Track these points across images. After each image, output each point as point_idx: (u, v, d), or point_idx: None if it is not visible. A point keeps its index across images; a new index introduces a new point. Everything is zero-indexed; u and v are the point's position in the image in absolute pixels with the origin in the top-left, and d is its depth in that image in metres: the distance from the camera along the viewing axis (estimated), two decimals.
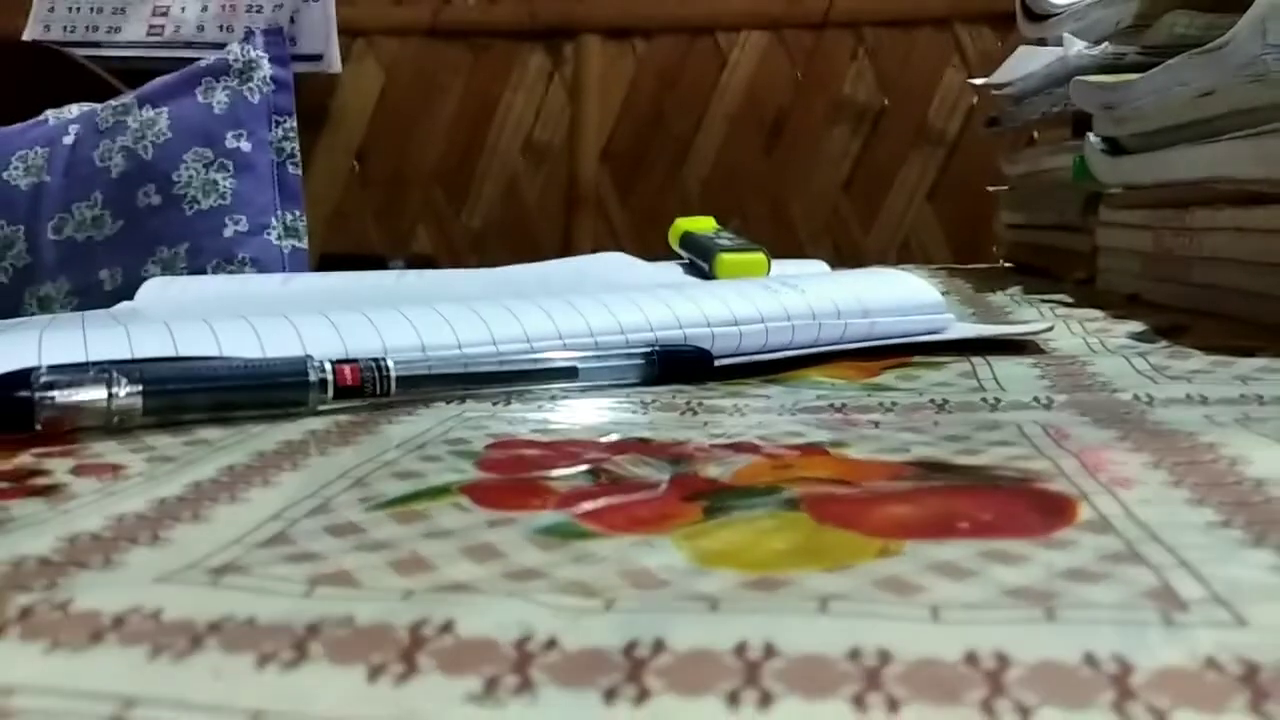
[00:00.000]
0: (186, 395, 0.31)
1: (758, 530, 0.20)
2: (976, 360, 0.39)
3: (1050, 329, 0.45)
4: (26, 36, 1.67)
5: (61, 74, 1.29)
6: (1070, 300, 0.56)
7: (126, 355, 0.33)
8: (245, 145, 0.91)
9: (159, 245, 0.89)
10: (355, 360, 0.33)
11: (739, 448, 0.27)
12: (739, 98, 1.61)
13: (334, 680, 0.15)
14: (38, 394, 0.28)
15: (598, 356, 0.36)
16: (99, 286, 0.89)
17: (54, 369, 0.29)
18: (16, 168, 0.91)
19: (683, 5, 1.63)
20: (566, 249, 1.57)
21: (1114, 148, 0.57)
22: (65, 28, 1.69)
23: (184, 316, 0.37)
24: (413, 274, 0.68)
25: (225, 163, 0.90)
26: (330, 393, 0.32)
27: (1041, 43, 0.73)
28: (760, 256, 0.61)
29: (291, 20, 1.62)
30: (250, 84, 0.93)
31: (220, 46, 1.00)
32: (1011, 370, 0.38)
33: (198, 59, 0.96)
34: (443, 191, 1.71)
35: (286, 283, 0.66)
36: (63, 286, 0.90)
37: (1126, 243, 0.58)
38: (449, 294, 0.46)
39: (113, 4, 1.69)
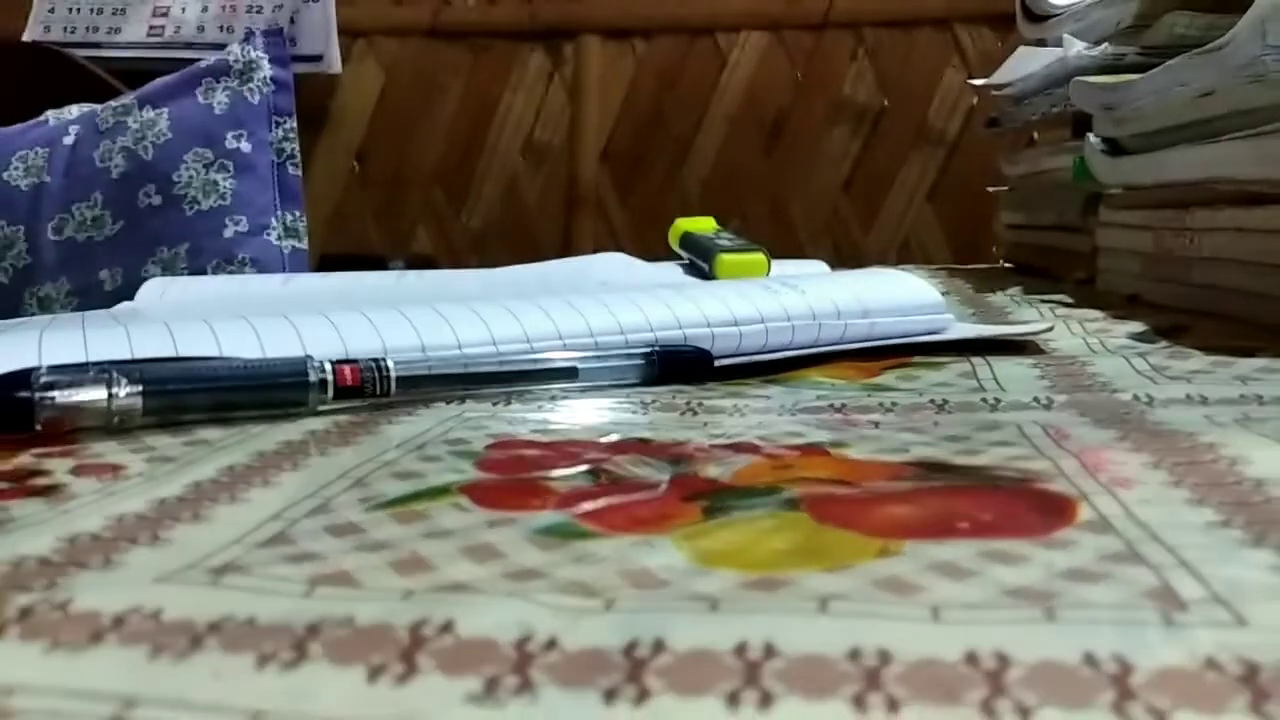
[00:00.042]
0: (186, 395, 0.31)
1: (758, 530, 0.20)
2: (976, 360, 0.39)
3: (1050, 329, 0.45)
4: (27, 37, 1.67)
5: (62, 75, 1.29)
6: (1070, 300, 0.56)
7: (126, 355, 0.33)
8: (245, 146, 0.91)
9: (159, 246, 0.89)
10: (355, 360, 0.33)
11: (739, 448, 0.27)
12: (739, 98, 1.61)
13: (334, 680, 0.15)
14: (38, 394, 0.28)
15: (598, 357, 0.36)
16: (99, 287, 0.89)
17: (54, 369, 0.29)
18: (17, 168, 0.91)
19: (682, 5, 1.63)
20: (566, 249, 1.57)
21: (1114, 148, 0.57)
22: (65, 28, 1.69)
23: (184, 317, 0.37)
24: (413, 274, 0.68)
25: (225, 163, 0.90)
26: (330, 393, 0.32)
27: (1041, 43, 0.73)
28: (760, 257, 0.61)
29: (291, 21, 1.62)
30: (250, 84, 0.93)
31: (220, 47, 1.00)
32: (1011, 370, 0.38)
33: (198, 60, 0.96)
34: (443, 192, 1.71)
35: (286, 283, 0.66)
36: (63, 287, 0.90)
37: (1126, 243, 0.58)
38: (449, 294, 0.46)
39: (113, 5, 1.69)
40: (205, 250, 0.89)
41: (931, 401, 0.33)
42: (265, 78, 0.93)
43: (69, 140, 0.92)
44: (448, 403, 0.33)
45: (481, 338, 0.37)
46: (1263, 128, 0.42)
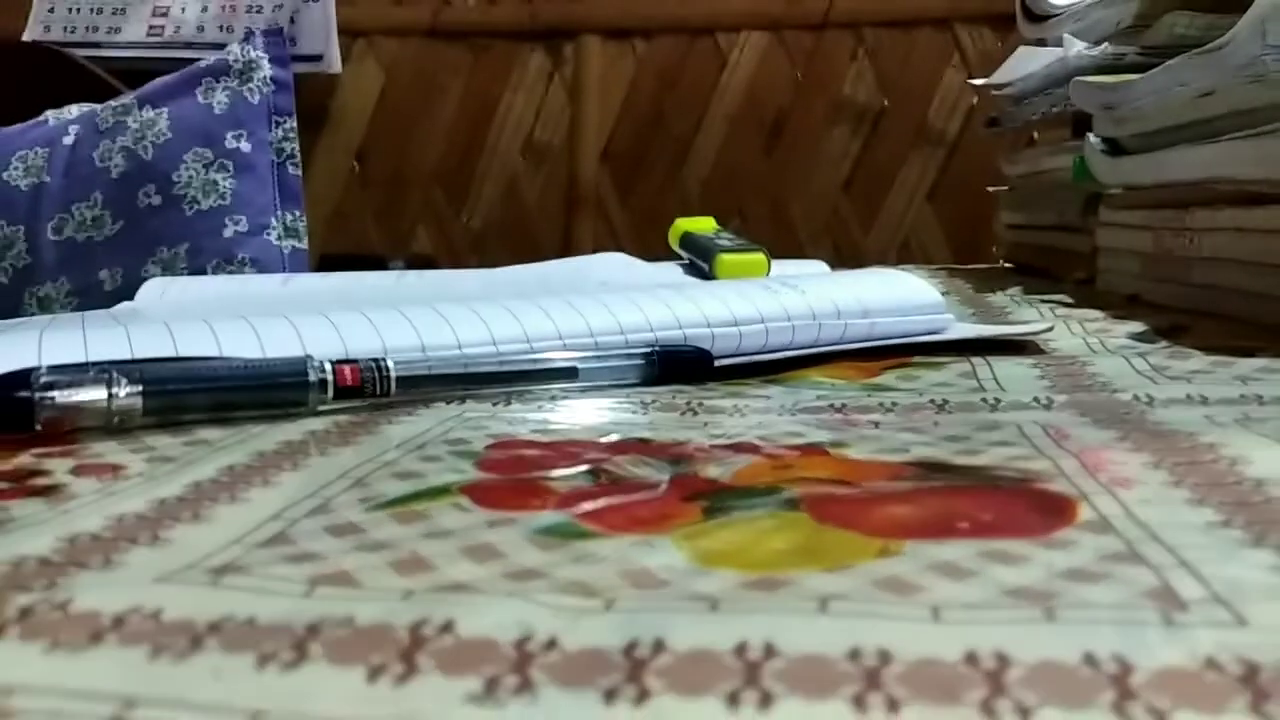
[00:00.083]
0: (186, 395, 0.31)
1: (758, 530, 0.20)
2: (976, 360, 0.39)
3: (1050, 329, 0.45)
4: (26, 37, 1.67)
5: (61, 74, 1.29)
6: (1070, 300, 0.56)
7: (126, 355, 0.33)
8: (245, 145, 0.91)
9: (159, 245, 0.89)
10: (355, 360, 0.33)
11: (739, 448, 0.27)
12: (739, 98, 1.61)
13: (334, 680, 0.15)
14: (38, 394, 0.28)
15: (598, 357, 0.36)
16: (99, 287, 0.89)
17: (54, 369, 0.29)
18: (16, 168, 0.91)
19: (682, 6, 1.63)
20: (566, 249, 1.57)
21: (1114, 148, 0.57)
22: (65, 28, 1.69)
23: (184, 317, 0.37)
24: (413, 274, 0.68)
25: (225, 163, 0.90)
26: (330, 393, 0.32)
27: (1041, 43, 0.73)
28: (760, 257, 0.61)
29: (291, 20, 1.62)
30: (250, 84, 0.93)
31: (220, 47, 1.00)
32: (1011, 370, 0.38)
33: (198, 59, 0.96)
34: (443, 192, 1.71)
35: (286, 283, 0.66)
36: (63, 287, 0.90)
37: (1126, 243, 0.58)
38: (449, 294, 0.46)
39: (113, 4, 1.69)
40: (205, 250, 0.89)
41: (931, 401, 0.33)
42: (265, 77, 0.93)
43: (69, 140, 0.92)
44: (448, 403, 0.33)
45: (481, 338, 0.37)
46: (1263, 128, 0.42)
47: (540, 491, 0.23)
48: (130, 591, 0.18)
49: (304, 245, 0.93)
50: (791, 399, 0.34)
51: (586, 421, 0.31)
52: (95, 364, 0.30)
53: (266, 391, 0.31)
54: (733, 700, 0.14)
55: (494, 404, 0.33)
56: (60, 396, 0.29)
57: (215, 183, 0.90)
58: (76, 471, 0.26)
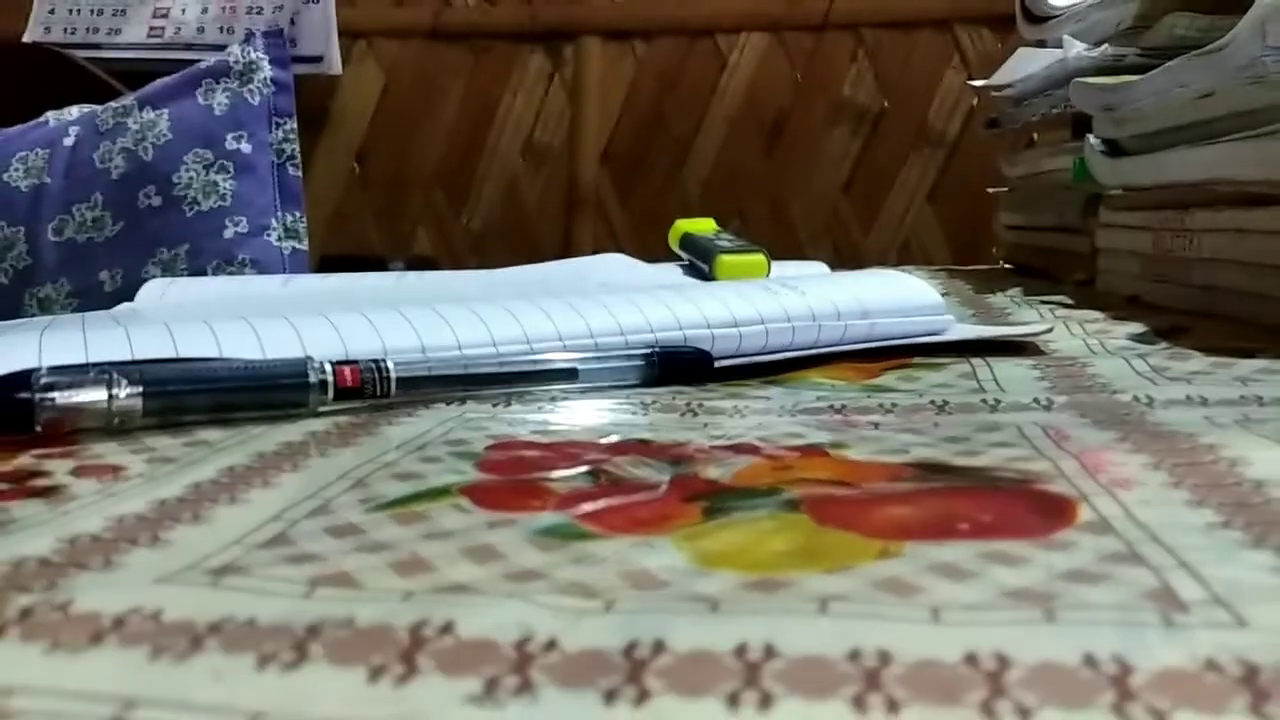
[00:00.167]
0: (186, 396, 0.31)
1: (758, 531, 0.20)
2: (976, 361, 0.39)
3: (1050, 330, 0.45)
4: (27, 38, 1.67)
5: (62, 76, 1.29)
6: (1070, 301, 0.56)
7: (127, 356, 0.33)
8: (245, 147, 0.91)
9: (159, 246, 0.89)
10: (355, 361, 0.33)
11: (739, 449, 0.27)
12: (739, 99, 1.61)
13: (334, 681, 0.15)
14: (38, 395, 0.28)
15: (598, 358, 0.36)
16: (99, 288, 0.89)
17: (54, 370, 0.29)
18: (17, 169, 0.91)
19: (682, 7, 1.63)
20: (566, 251, 1.57)
21: (1114, 149, 0.57)
22: (65, 29, 1.69)
23: (184, 318, 0.37)
24: (413, 275, 0.68)
25: (225, 164, 0.90)
26: (330, 394, 0.32)
27: (1041, 44, 0.73)
28: (760, 258, 0.61)
29: (292, 22, 1.62)
30: (250, 86, 0.93)
31: (220, 48, 1.00)
32: (1011, 371, 0.38)
33: (198, 61, 0.96)
34: (443, 193, 1.71)
35: (287, 284, 0.66)
36: (63, 288, 0.90)
37: (1126, 244, 0.58)
38: (449, 295, 0.46)
39: (113, 6, 1.69)
40: (205, 251, 0.89)
41: (931, 402, 0.33)
42: (265, 79, 0.93)
43: (69, 141, 0.92)
44: (448, 404, 0.33)
45: (481, 339, 0.37)
46: (1263, 129, 0.42)
47: (540, 492, 0.23)
48: (130, 592, 0.18)
49: (304, 246, 0.93)
50: (791, 400, 0.34)
51: (586, 422, 0.31)
52: (95, 365, 0.30)
53: (267, 392, 0.31)
54: (733, 701, 0.14)
55: (494, 405, 0.33)
56: (60, 397, 0.29)
57: (215, 184, 0.90)
58: (77, 472, 0.26)
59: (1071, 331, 0.46)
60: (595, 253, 0.79)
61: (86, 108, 0.96)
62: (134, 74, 1.21)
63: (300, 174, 0.94)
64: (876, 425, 0.30)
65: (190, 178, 0.89)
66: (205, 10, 1.68)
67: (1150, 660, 0.14)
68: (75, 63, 1.32)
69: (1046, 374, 0.37)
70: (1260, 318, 0.45)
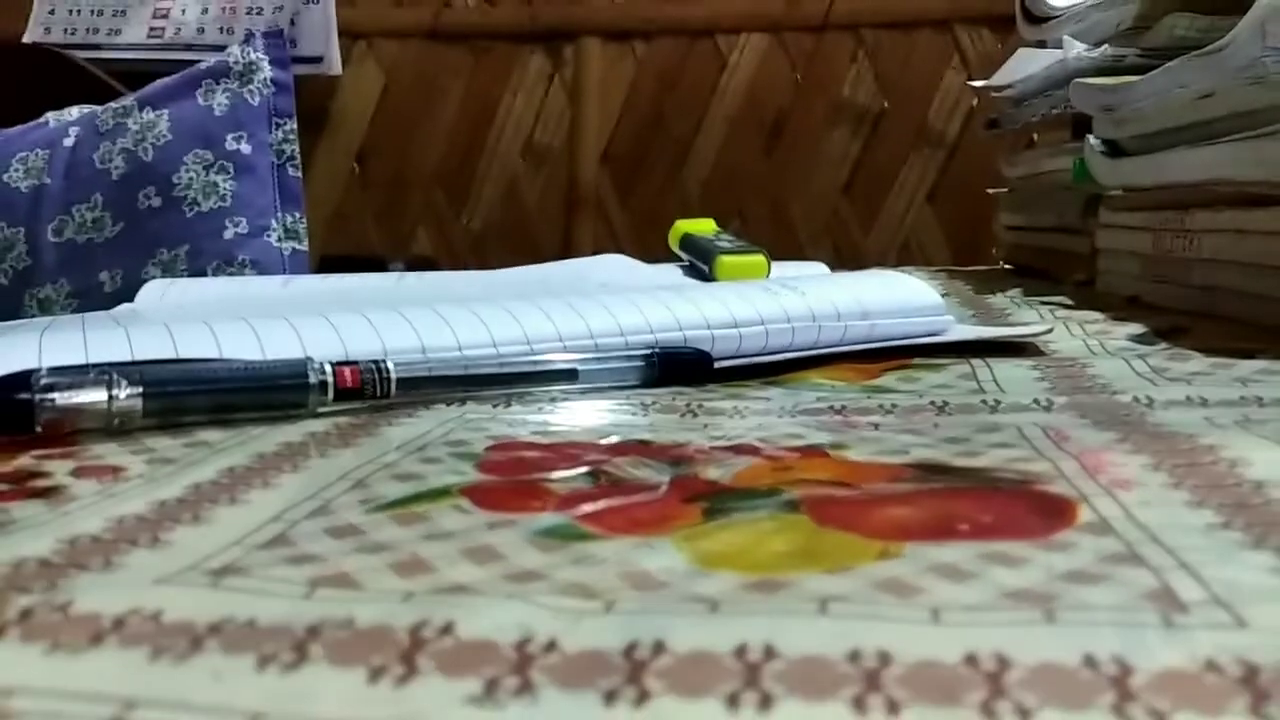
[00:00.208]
0: (186, 397, 0.31)
1: (758, 532, 0.20)
2: (976, 362, 0.39)
3: (1050, 331, 0.45)
4: (27, 39, 1.67)
5: (62, 76, 1.29)
6: (1070, 302, 0.56)
7: (127, 357, 0.33)
8: (245, 147, 0.91)
9: (159, 247, 0.89)
10: (355, 362, 0.33)
11: (739, 450, 0.27)
12: (739, 100, 1.61)
13: (334, 682, 0.15)
14: (38, 396, 0.28)
15: (598, 358, 0.36)
16: (99, 288, 0.89)
17: (54, 371, 0.29)
18: (17, 170, 0.91)
19: (682, 7, 1.63)
20: (566, 251, 1.57)
21: (1114, 150, 0.57)
22: (65, 30, 1.69)
23: (184, 318, 0.37)
24: (413, 276, 0.68)
25: (225, 165, 0.90)
26: (330, 395, 0.32)
27: (1041, 45, 0.73)
28: (760, 258, 0.61)
29: (292, 22, 1.62)
30: (250, 86, 0.93)
31: (220, 49, 1.00)
32: (1011, 372, 0.38)
33: (198, 61, 0.96)
34: (443, 193, 1.71)
35: (287, 284, 0.66)
36: (63, 288, 0.90)
37: (1126, 245, 0.58)
38: (449, 296, 0.46)
39: (113, 6, 1.69)
40: (205, 252, 0.89)
41: (931, 403, 0.33)
42: (265, 79, 0.93)
43: (69, 142, 0.92)
44: (448, 404, 0.33)
45: (482, 339, 0.37)
46: (1263, 129, 0.42)
47: (540, 493, 0.23)
48: (130, 593, 0.18)
49: (304, 247, 0.93)
50: (791, 401, 0.34)
51: (586, 423, 0.31)
52: (95, 366, 0.30)
53: (266, 393, 0.31)
54: (732, 702, 0.14)
55: (494, 406, 0.33)
56: (60, 398, 0.29)
57: (215, 184, 0.90)
58: (77, 473, 0.26)
59: (1071, 332, 0.46)
60: (595, 253, 0.79)
61: (86, 108, 0.96)
62: (134, 74, 1.21)
63: (300, 174, 0.94)
64: (876, 426, 0.30)
65: (190, 178, 0.89)
66: (205, 11, 1.68)
67: (1150, 661, 0.14)
68: (75, 63, 1.32)
69: (1046, 375, 0.37)
70: (1260, 318, 0.45)
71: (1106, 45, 0.60)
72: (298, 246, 0.92)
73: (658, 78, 1.64)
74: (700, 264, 0.64)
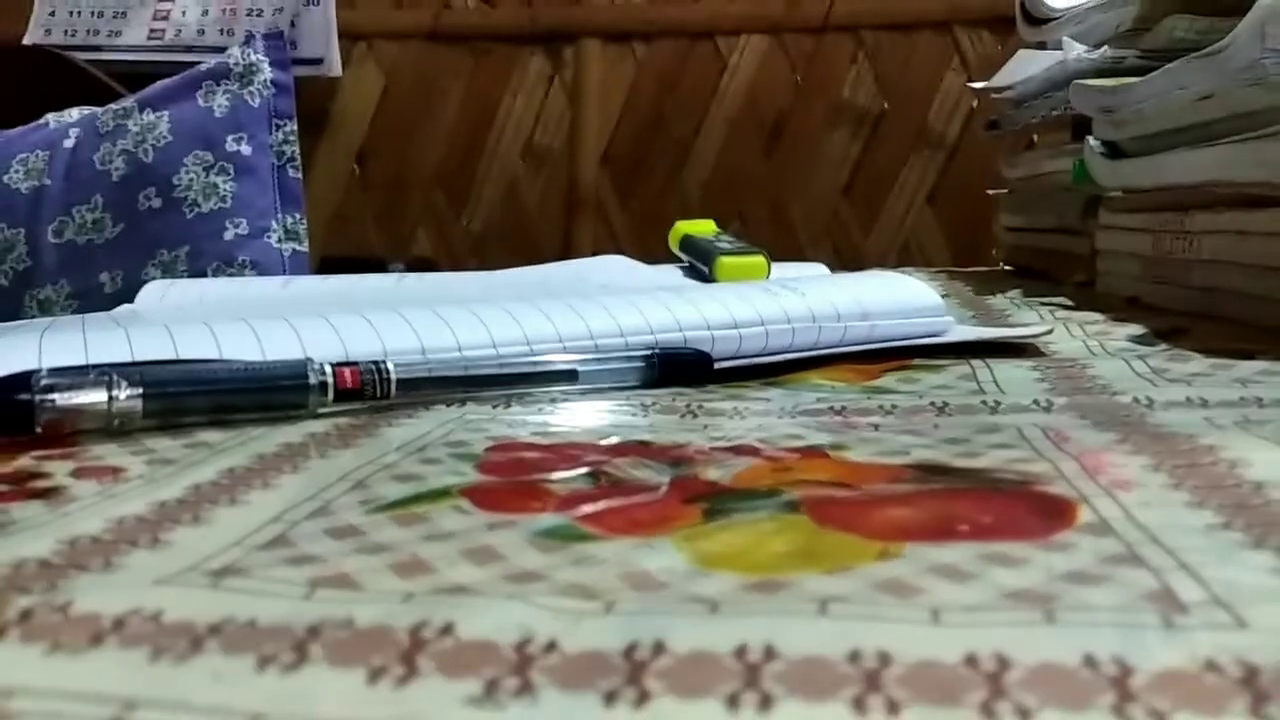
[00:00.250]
0: (186, 398, 0.31)
1: (758, 533, 0.20)
2: (976, 363, 0.39)
3: (1050, 332, 0.45)
4: (27, 40, 1.67)
5: (62, 77, 1.29)
6: (1070, 303, 0.56)
7: (127, 358, 0.33)
8: (246, 148, 0.91)
9: (159, 248, 0.89)
10: (355, 363, 0.33)
11: (739, 450, 0.27)
12: (739, 101, 1.62)
13: (334, 682, 0.15)
14: (38, 396, 0.28)
15: (597, 359, 0.36)
16: (99, 289, 0.89)
17: (54, 372, 0.29)
18: (17, 171, 0.91)
19: (682, 9, 1.63)
20: (566, 252, 1.57)
21: (1113, 151, 0.57)
22: (66, 32, 1.69)
23: (184, 319, 0.37)
24: (413, 277, 0.68)
25: (226, 166, 0.90)
26: (330, 395, 0.32)
27: (1041, 46, 0.73)
28: (760, 259, 0.61)
29: (292, 24, 1.62)
30: (251, 87, 0.93)
31: (221, 50, 1.00)
32: (1011, 373, 0.38)
33: (198, 63, 0.96)
34: (443, 195, 1.71)
35: (287, 285, 0.66)
36: (63, 289, 0.90)
37: (1126, 246, 0.58)
38: (449, 297, 0.46)
39: (113, 8, 1.69)
40: (205, 253, 0.89)
41: (931, 404, 0.33)
42: (265, 81, 0.93)
43: (69, 143, 0.92)
44: (448, 405, 0.33)
45: (481, 340, 0.37)
46: (1262, 131, 0.43)
47: (540, 494, 0.23)
48: (130, 594, 0.18)
49: (304, 248, 0.93)
50: (791, 401, 0.34)
51: (586, 424, 0.31)
52: (95, 366, 0.30)
53: (266, 394, 0.31)
54: (732, 702, 0.14)
55: (494, 406, 0.33)
56: (60, 399, 0.29)
57: (216, 185, 0.90)
58: (77, 474, 0.26)
59: (1071, 333, 0.46)
60: (595, 254, 0.79)
61: (87, 110, 0.96)
62: (134, 76, 1.21)
63: (300, 176, 0.94)
64: (876, 427, 0.30)
65: (190, 179, 0.89)
66: (205, 12, 1.68)
67: (1150, 661, 0.14)
68: (75, 65, 1.32)
69: (1046, 375, 0.37)
70: (1260, 319, 0.45)
71: (1106, 47, 0.60)
72: (298, 248, 0.92)
73: (658, 79, 1.64)
74: (700, 265, 0.64)
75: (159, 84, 0.94)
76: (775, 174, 1.61)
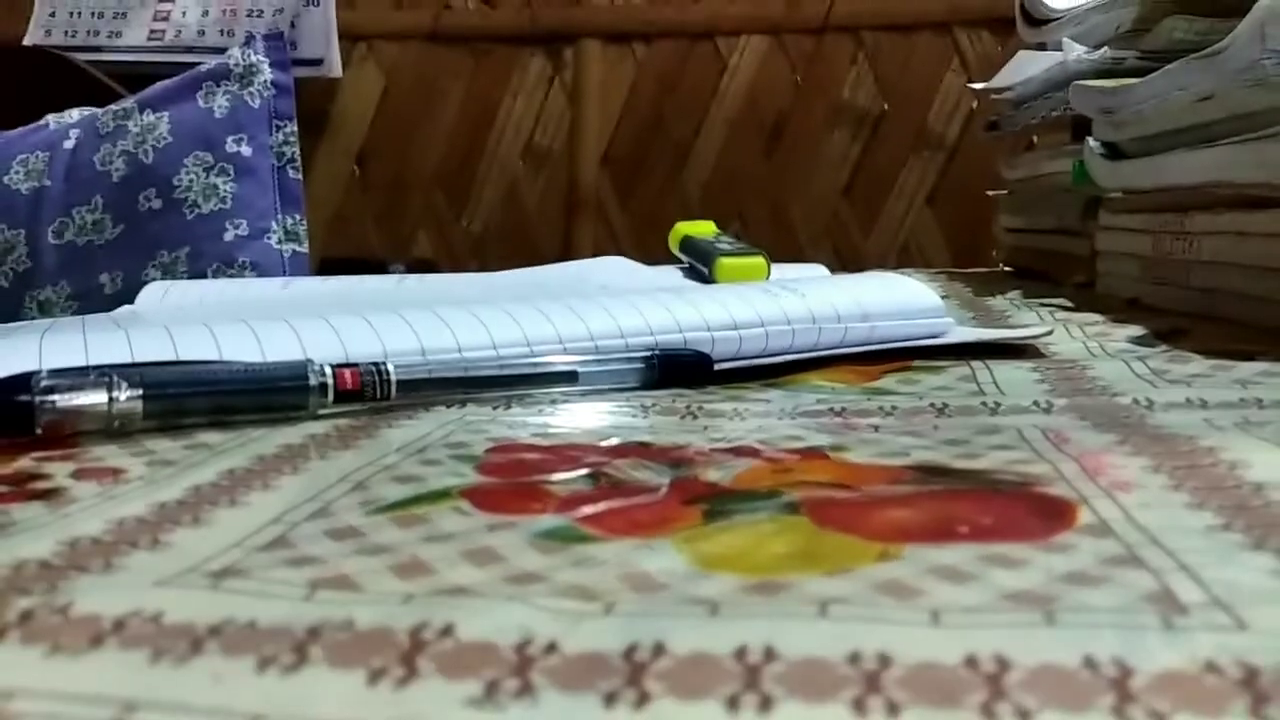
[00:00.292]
0: (187, 399, 0.31)
1: (758, 534, 0.20)
2: (976, 364, 0.39)
3: (1050, 333, 0.45)
4: (28, 41, 1.67)
5: (62, 78, 1.29)
6: (1070, 304, 0.56)
7: (127, 359, 0.33)
8: (246, 149, 0.91)
9: (159, 249, 0.89)
10: (355, 364, 0.33)
11: (739, 451, 0.27)
12: (739, 102, 1.62)
13: (334, 684, 0.15)
14: (38, 398, 0.28)
15: (598, 360, 0.36)
16: (99, 290, 0.89)
17: (55, 373, 0.29)
18: (17, 172, 0.91)
19: (682, 10, 1.63)
20: (566, 253, 1.57)
21: (1113, 152, 0.57)
22: (66, 32, 1.69)
23: (184, 320, 0.37)
24: (413, 278, 0.68)
25: (226, 167, 0.90)
26: (330, 396, 0.32)
27: (1041, 47, 0.73)
28: (760, 261, 0.61)
29: (292, 25, 1.62)
30: (251, 88, 0.93)
31: (221, 51, 1.00)
32: (1011, 374, 0.38)
33: (198, 63, 0.96)
34: (443, 196, 1.71)
35: (287, 286, 0.66)
36: (63, 290, 0.90)
37: (1126, 247, 0.58)
38: (449, 298, 0.46)
39: (113, 9, 1.69)
40: (205, 254, 0.89)
41: (931, 405, 0.33)
42: (266, 81, 0.93)
43: (69, 144, 0.92)
44: (448, 406, 0.33)
45: (482, 341, 0.37)
46: (1262, 132, 0.43)
47: (540, 495, 0.23)
48: (130, 595, 0.18)
49: (304, 249, 0.93)
50: (791, 402, 0.34)
51: (586, 425, 0.31)
52: (96, 368, 0.30)
53: (266, 395, 0.31)
54: (732, 704, 0.14)
55: (494, 408, 0.33)
56: (61, 400, 0.29)
57: (216, 186, 0.90)
58: (77, 475, 0.26)
59: (1071, 334, 0.46)
60: (595, 255, 0.79)
61: (87, 110, 0.96)
62: (134, 77, 1.21)
63: (300, 177, 0.94)
64: (876, 428, 0.30)
65: (190, 180, 0.89)
66: (206, 13, 1.68)
67: (1150, 663, 0.14)
68: (76, 65, 1.32)
69: (1046, 376, 0.37)
70: (1260, 320, 0.45)
71: (1106, 48, 0.60)
72: (298, 248, 0.92)
73: (658, 80, 1.64)
74: (700, 266, 0.64)
75: (159, 85, 0.94)
76: (775, 175, 1.61)
